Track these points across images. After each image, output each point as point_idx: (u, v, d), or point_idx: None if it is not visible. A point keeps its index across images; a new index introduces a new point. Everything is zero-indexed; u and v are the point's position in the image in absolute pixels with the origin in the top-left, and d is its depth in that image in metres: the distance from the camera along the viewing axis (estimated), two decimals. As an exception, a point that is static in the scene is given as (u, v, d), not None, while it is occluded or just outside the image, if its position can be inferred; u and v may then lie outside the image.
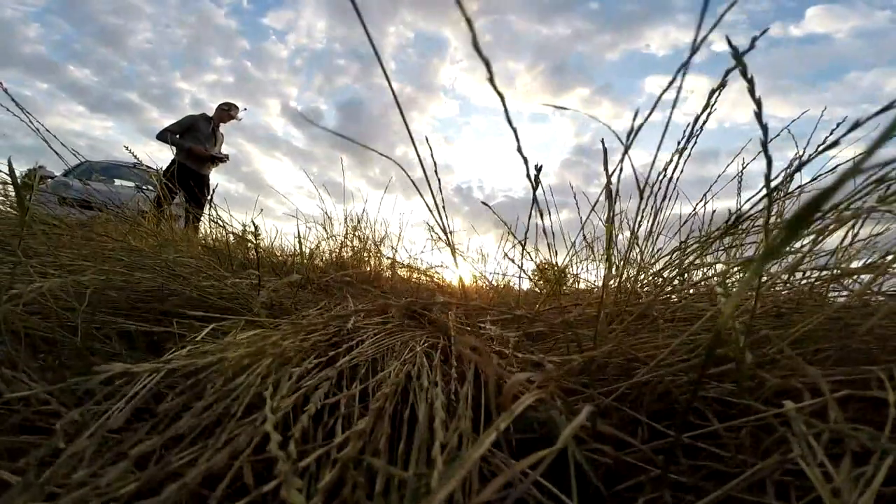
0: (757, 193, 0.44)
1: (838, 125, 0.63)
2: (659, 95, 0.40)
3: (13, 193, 1.46)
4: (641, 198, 0.63)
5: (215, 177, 3.97)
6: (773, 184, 0.53)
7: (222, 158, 3.84)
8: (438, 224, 0.54)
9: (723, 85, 0.45)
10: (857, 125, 0.32)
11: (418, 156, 0.47)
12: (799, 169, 0.42)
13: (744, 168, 1.23)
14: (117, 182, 4.67)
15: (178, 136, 3.68)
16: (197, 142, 3.70)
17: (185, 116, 3.77)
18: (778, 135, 0.99)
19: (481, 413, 0.52)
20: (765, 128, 0.37)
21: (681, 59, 0.33)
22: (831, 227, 0.57)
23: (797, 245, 0.68)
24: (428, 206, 0.47)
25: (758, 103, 0.35)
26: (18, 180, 0.64)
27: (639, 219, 1.06)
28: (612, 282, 1.07)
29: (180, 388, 0.48)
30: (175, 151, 3.66)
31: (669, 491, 0.41)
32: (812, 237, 0.61)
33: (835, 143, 0.40)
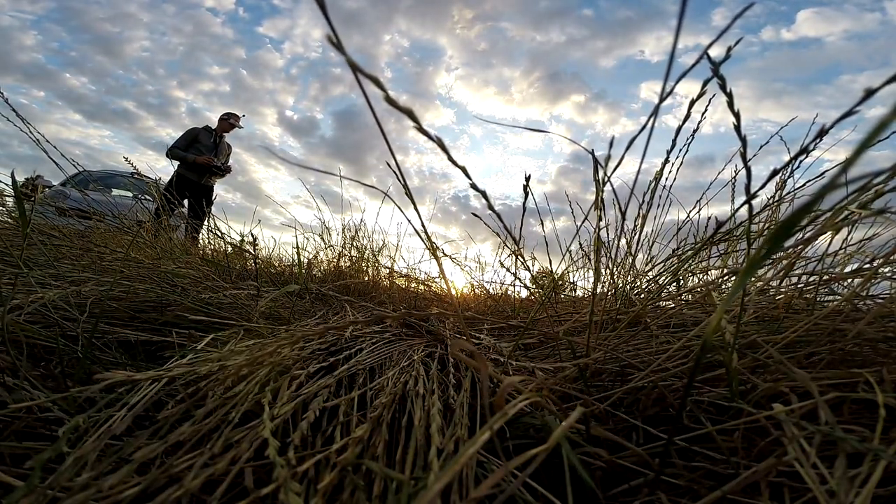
0: (745, 203, 0.45)
1: (825, 130, 0.65)
2: (654, 108, 0.41)
3: (11, 203, 1.46)
4: (625, 212, 0.64)
5: (215, 188, 4.00)
6: (761, 191, 0.54)
7: (222, 169, 3.87)
8: (426, 243, 0.55)
9: (701, 94, 0.47)
10: (823, 132, 0.33)
11: (398, 171, 0.48)
12: (772, 177, 0.43)
13: (737, 174, 1.24)
14: (115, 192, 4.69)
15: (185, 149, 3.73)
16: (199, 154, 3.75)
17: (188, 130, 3.82)
18: (769, 141, 1.01)
19: (478, 420, 0.52)
20: (744, 140, 0.38)
21: (675, 66, 0.34)
22: (819, 234, 0.58)
23: (789, 250, 0.70)
24: (421, 219, 0.48)
25: (737, 116, 0.36)
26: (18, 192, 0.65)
27: (632, 227, 1.07)
28: (606, 289, 1.08)
29: (181, 395, 0.48)
30: (179, 164, 3.70)
31: (665, 494, 0.42)
32: (801, 245, 0.62)
33: (806, 151, 0.41)
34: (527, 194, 0.63)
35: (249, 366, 0.51)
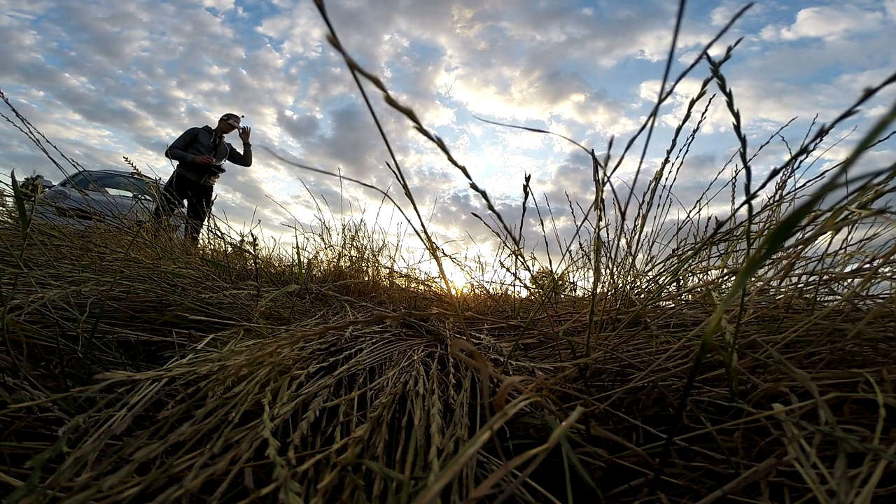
0: (745, 203, 0.45)
1: (825, 130, 0.65)
2: (654, 108, 0.41)
3: (11, 203, 1.46)
4: (625, 212, 0.64)
5: (214, 187, 4.01)
6: (761, 191, 0.54)
7: (221, 168, 3.90)
8: (426, 243, 0.55)
9: (702, 94, 0.47)
10: (823, 132, 0.33)
11: (398, 172, 0.48)
12: (772, 177, 0.43)
13: (737, 174, 1.24)
14: (113, 192, 4.70)
15: (185, 149, 3.75)
16: (199, 154, 3.76)
17: (188, 129, 3.83)
18: (769, 140, 1.01)
19: (478, 420, 0.52)
20: (743, 140, 0.38)
21: (675, 65, 0.34)
22: (819, 234, 0.58)
23: (789, 250, 0.70)
24: (420, 219, 0.48)
25: (736, 116, 0.36)
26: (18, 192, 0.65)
27: (632, 227, 1.07)
28: (606, 289, 1.08)
29: (181, 395, 0.48)
30: (179, 164, 3.72)
31: (665, 494, 0.42)
32: (801, 245, 0.62)
33: (806, 151, 0.41)
34: (527, 194, 0.63)
35: (249, 366, 0.51)
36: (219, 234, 1.80)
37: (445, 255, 1.98)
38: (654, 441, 0.50)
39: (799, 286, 0.75)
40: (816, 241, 0.63)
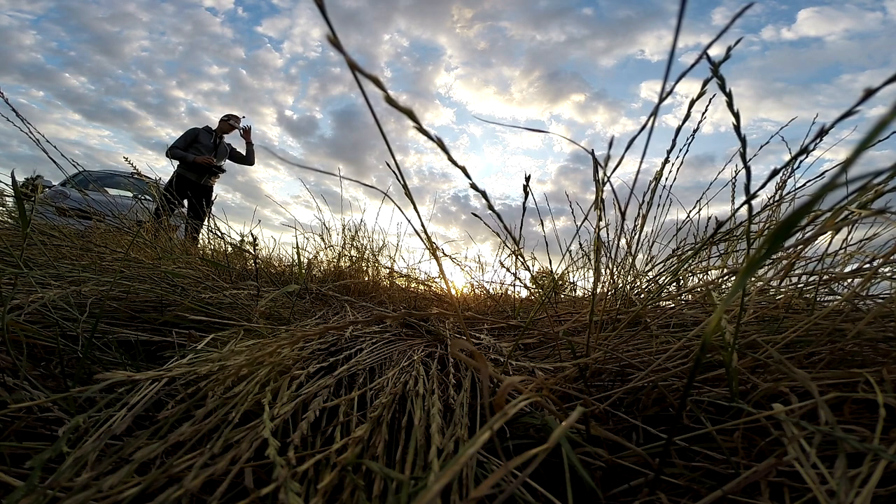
0: (745, 203, 0.45)
1: (825, 130, 0.65)
2: (654, 108, 0.41)
3: (11, 203, 1.47)
4: (625, 212, 0.64)
5: (215, 188, 4.02)
6: (761, 191, 0.54)
7: (221, 168, 3.91)
8: (426, 243, 0.55)
9: (702, 94, 0.47)
10: (823, 132, 0.33)
11: (398, 172, 0.48)
12: (772, 177, 0.43)
13: (737, 174, 1.24)
14: (113, 192, 4.70)
15: (185, 149, 3.76)
16: (199, 154, 3.77)
17: (188, 130, 3.84)
18: (769, 140, 1.01)
19: (478, 420, 0.52)
20: (743, 140, 0.38)
21: (675, 65, 0.34)
22: (819, 234, 0.58)
23: (789, 250, 0.70)
24: (420, 219, 0.48)
25: (736, 116, 0.36)
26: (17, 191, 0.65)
27: (632, 227, 1.07)
28: (606, 289, 1.08)
29: (181, 395, 0.48)
30: (179, 164, 3.72)
31: (665, 494, 0.42)
32: (801, 245, 0.62)
33: (806, 151, 0.41)
34: (527, 194, 0.63)
35: (249, 366, 0.51)
36: (219, 234, 1.80)
37: (445, 255, 1.98)
38: (654, 441, 0.50)
39: (799, 286, 0.75)
40: (816, 241, 0.63)
